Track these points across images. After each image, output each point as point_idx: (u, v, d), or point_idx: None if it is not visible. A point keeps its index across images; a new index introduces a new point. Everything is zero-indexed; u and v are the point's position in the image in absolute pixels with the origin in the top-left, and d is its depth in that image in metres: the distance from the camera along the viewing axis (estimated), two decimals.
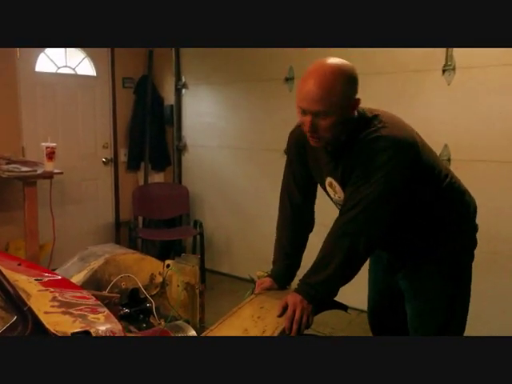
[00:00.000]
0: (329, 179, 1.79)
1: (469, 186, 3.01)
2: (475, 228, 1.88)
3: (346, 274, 1.66)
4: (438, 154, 3.18)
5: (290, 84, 3.92)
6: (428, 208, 1.76)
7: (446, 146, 3.24)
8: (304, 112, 1.57)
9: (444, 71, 3.22)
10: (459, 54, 3.14)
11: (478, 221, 3.06)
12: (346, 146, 1.65)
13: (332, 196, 1.83)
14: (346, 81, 1.54)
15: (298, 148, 1.86)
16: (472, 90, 3.12)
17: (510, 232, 3.07)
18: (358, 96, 1.59)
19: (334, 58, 1.56)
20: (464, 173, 3.15)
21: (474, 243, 1.88)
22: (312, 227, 1.97)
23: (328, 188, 1.82)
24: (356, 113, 1.63)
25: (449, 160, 3.23)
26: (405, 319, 1.92)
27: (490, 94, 3.06)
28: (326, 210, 2.01)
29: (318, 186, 1.91)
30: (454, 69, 3.18)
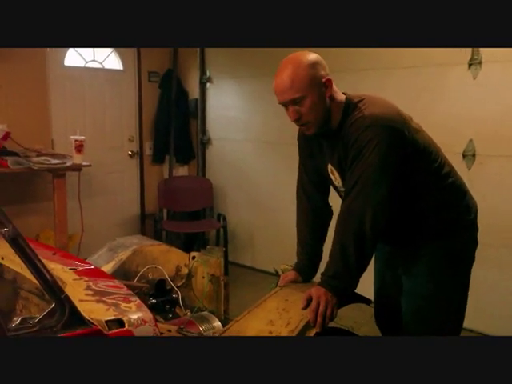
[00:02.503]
0: (329, 167, 1.83)
1: (493, 181, 3.01)
2: (476, 228, 1.87)
3: (362, 257, 1.67)
4: (462, 149, 3.19)
5: None
6: (428, 201, 1.77)
7: (471, 140, 3.20)
8: (285, 105, 1.69)
9: (470, 65, 3.17)
10: (486, 48, 3.09)
11: (499, 215, 3.05)
12: (338, 132, 1.71)
13: (334, 183, 1.87)
14: (307, 66, 1.63)
15: (303, 142, 1.94)
16: (498, 85, 3.07)
17: None
18: (329, 77, 1.68)
19: (294, 53, 1.69)
20: (489, 168, 3.15)
21: (474, 244, 1.86)
22: (330, 218, 1.99)
23: (331, 176, 1.86)
24: (343, 100, 1.72)
25: (474, 155, 3.19)
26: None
27: None
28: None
29: None
30: (480, 63, 3.13)
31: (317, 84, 1.64)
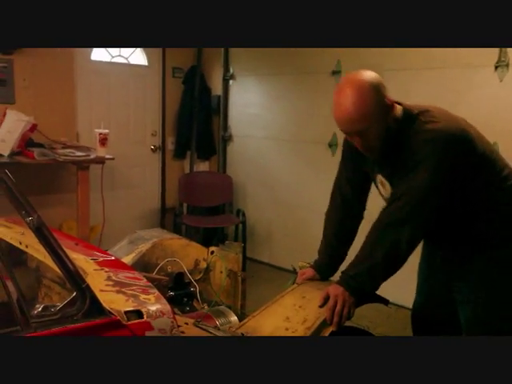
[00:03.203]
0: (379, 177, 1.79)
1: None
2: None
3: (389, 267, 1.66)
4: None
5: (336, 77, 3.88)
6: (488, 206, 1.72)
7: (495, 143, 3.14)
8: (348, 134, 1.63)
9: (497, 67, 3.12)
10: None
11: None
12: (394, 144, 1.65)
13: (383, 194, 1.82)
14: (374, 92, 1.54)
15: (350, 149, 1.83)
16: None
17: None
18: (388, 98, 1.59)
19: (354, 74, 1.59)
20: None
21: None
22: (359, 223, 1.95)
23: (379, 186, 1.82)
24: (401, 111, 1.63)
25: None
26: (450, 324, 1.89)
27: None
28: (372, 206, 2.00)
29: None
30: (507, 65, 3.08)
31: (383, 110, 1.57)
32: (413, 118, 1.62)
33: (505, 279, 1.74)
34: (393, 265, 1.66)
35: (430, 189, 1.58)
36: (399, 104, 1.66)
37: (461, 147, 1.59)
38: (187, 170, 4.88)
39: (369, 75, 1.57)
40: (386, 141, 1.63)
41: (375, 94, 1.54)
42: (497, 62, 3.11)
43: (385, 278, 1.68)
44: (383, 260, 1.63)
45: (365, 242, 1.69)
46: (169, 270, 2.31)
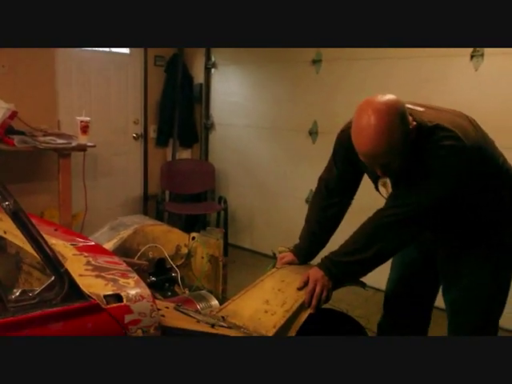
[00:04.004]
0: (383, 180, 1.78)
1: None
2: None
3: (377, 263, 1.68)
4: None
5: (317, 66, 3.87)
6: (486, 197, 1.72)
7: None
8: (370, 164, 1.59)
9: (472, 57, 3.15)
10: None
11: None
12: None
13: (384, 195, 1.82)
14: (400, 122, 1.46)
15: (346, 150, 1.76)
16: (499, 77, 3.05)
17: None
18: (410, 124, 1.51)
19: (379, 99, 1.47)
20: None
21: None
22: (343, 215, 1.94)
23: (380, 188, 1.81)
24: (415, 125, 1.54)
25: None
26: (423, 307, 1.95)
27: None
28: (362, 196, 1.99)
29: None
30: (482, 55, 3.11)
31: (407, 139, 1.49)
32: (429, 131, 1.55)
33: (499, 259, 1.76)
34: (381, 262, 1.69)
35: (437, 200, 1.58)
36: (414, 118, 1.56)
37: (475, 161, 1.57)
38: (169, 158, 4.84)
39: (394, 102, 1.47)
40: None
41: (401, 124, 1.46)
42: (472, 52, 3.14)
43: (369, 272, 1.70)
44: (374, 256, 1.65)
45: (356, 234, 1.70)
46: (150, 256, 2.31)
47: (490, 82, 3.09)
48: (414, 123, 1.52)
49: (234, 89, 4.65)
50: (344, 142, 1.74)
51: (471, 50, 3.13)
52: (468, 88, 3.18)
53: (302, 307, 1.67)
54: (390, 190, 1.77)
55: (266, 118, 4.37)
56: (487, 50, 3.07)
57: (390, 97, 1.48)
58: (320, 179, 1.95)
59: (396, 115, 1.44)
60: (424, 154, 1.56)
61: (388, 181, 1.76)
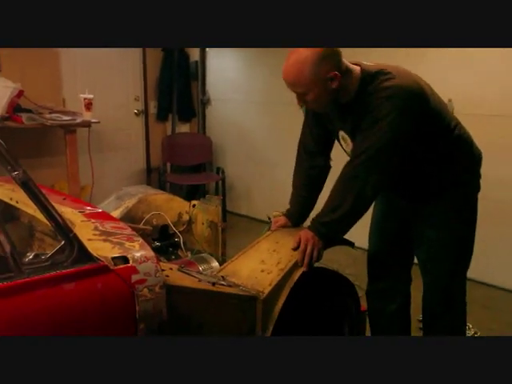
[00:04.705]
0: (341, 133, 1.78)
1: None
2: (480, 175, 1.85)
3: (357, 214, 1.68)
4: None
5: None
6: (439, 154, 1.74)
7: (450, 100, 3.17)
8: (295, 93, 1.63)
9: None
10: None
11: None
12: (355, 100, 1.63)
13: (345, 148, 1.82)
14: (312, 64, 1.53)
15: (313, 110, 1.82)
16: (475, 53, 3.02)
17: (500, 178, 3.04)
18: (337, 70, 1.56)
19: (302, 49, 1.56)
20: (465, 123, 3.13)
21: (478, 189, 1.85)
22: (326, 174, 1.95)
23: (341, 141, 1.81)
24: (359, 72, 1.62)
25: (452, 113, 3.17)
26: (403, 264, 1.96)
27: (488, 58, 2.97)
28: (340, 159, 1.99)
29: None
30: None
31: (320, 80, 1.55)
32: (371, 76, 1.60)
33: (461, 220, 1.79)
34: (360, 212, 1.68)
35: (391, 142, 1.58)
36: (359, 65, 1.64)
37: (418, 101, 1.58)
38: (169, 132, 4.81)
39: (314, 51, 1.53)
40: (330, 103, 1.63)
41: (313, 65, 1.53)
42: None
43: (353, 225, 1.70)
44: (352, 208, 1.64)
45: (332, 192, 1.70)
46: (154, 223, 2.31)
47: (465, 58, 3.06)
48: (358, 71, 1.61)
49: (228, 65, 4.58)
50: None
51: None
52: (446, 64, 3.16)
53: (295, 266, 1.68)
54: (349, 142, 1.76)
55: (260, 92, 4.32)
56: None
57: (309, 49, 1.55)
58: (299, 143, 1.96)
59: (310, 58, 1.52)
60: (369, 98, 1.58)
61: (345, 135, 1.75)
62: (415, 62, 3.21)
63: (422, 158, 1.72)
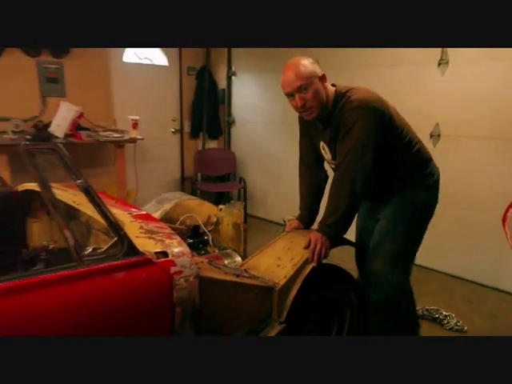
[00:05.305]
0: (322, 144, 1.80)
1: (454, 155, 2.92)
2: (437, 188, 1.82)
3: (351, 213, 1.68)
4: (430, 131, 3.12)
5: None
6: (400, 166, 1.74)
7: (437, 124, 3.13)
8: (291, 95, 1.62)
9: (439, 64, 3.06)
10: (452, 50, 2.98)
11: (457, 181, 2.97)
12: (330, 116, 1.67)
13: (325, 157, 1.84)
14: (307, 63, 1.59)
15: (303, 123, 1.89)
16: (461, 80, 2.97)
17: (482, 185, 2.98)
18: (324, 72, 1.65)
19: (293, 58, 1.63)
20: (450, 145, 3.09)
21: (435, 202, 1.82)
22: (325, 181, 1.96)
23: (322, 151, 1.83)
24: (334, 91, 1.67)
25: (439, 135, 3.11)
26: None
27: (475, 83, 2.91)
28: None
29: None
30: (447, 62, 3.02)
31: (316, 76, 1.61)
32: (342, 94, 1.65)
33: (409, 217, 1.77)
34: (354, 209, 1.69)
35: (364, 144, 1.59)
36: (334, 86, 1.70)
37: (379, 110, 1.60)
38: (200, 147, 4.83)
39: (304, 57, 1.62)
40: (322, 105, 1.64)
41: (308, 64, 1.60)
42: (439, 60, 3.05)
43: (351, 221, 1.70)
44: (347, 209, 1.64)
45: (329, 197, 1.70)
46: (188, 223, 2.32)
47: (453, 85, 3.01)
48: (333, 90, 1.67)
49: (250, 92, 4.59)
50: (300, 119, 1.86)
51: (439, 58, 3.04)
52: (435, 90, 3.10)
53: (306, 262, 1.68)
54: (327, 151, 1.78)
55: (276, 115, 4.32)
56: (451, 59, 2.99)
57: (300, 56, 1.63)
58: (300, 160, 1.99)
59: (302, 59, 1.60)
60: (340, 112, 1.62)
61: (325, 145, 1.77)
62: (408, 89, 3.19)
63: (387, 169, 1.72)
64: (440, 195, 1.84)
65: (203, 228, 2.32)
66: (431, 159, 1.82)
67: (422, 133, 2.10)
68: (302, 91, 1.59)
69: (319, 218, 1.81)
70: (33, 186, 1.87)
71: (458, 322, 2.51)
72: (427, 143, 2.46)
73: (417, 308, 2.62)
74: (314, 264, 1.67)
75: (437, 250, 3.14)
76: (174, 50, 4.49)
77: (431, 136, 3.13)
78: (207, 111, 4.70)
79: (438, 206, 1.83)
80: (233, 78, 4.74)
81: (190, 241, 2.27)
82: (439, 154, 2.76)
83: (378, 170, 1.67)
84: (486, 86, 2.86)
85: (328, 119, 1.68)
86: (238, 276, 1.53)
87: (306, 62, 1.60)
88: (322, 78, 1.63)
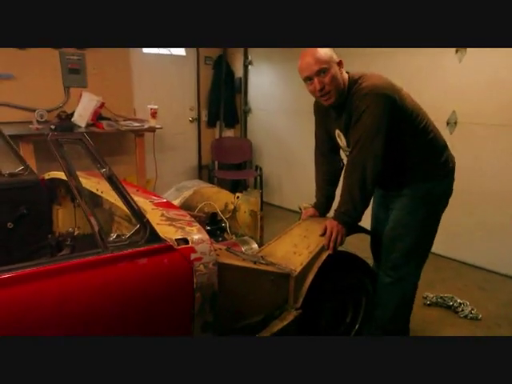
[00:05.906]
0: (337, 131, 1.77)
1: (469, 142, 2.85)
2: (452, 178, 1.77)
3: (365, 199, 1.66)
4: (447, 118, 3.05)
5: None
6: (414, 154, 1.69)
7: (453, 111, 3.05)
8: (310, 79, 1.60)
9: (457, 51, 2.98)
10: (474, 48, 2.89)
11: (472, 168, 2.91)
12: (344, 103, 1.64)
13: (340, 144, 1.81)
14: (325, 50, 1.58)
15: (318, 112, 1.86)
16: (478, 68, 2.88)
17: (496, 173, 2.91)
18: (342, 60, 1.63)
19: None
20: (466, 132, 3.02)
21: (449, 191, 1.78)
22: (340, 169, 1.93)
23: (337, 139, 1.80)
24: (348, 77, 1.65)
25: (455, 123, 3.04)
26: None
27: (493, 71, 2.82)
28: None
29: None
30: (465, 49, 2.94)
31: (334, 61, 1.60)
32: (355, 81, 1.63)
33: (423, 209, 1.73)
34: (368, 197, 1.67)
35: (374, 131, 1.56)
36: (347, 73, 1.67)
37: (390, 96, 1.56)
38: (217, 136, 4.83)
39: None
40: (340, 92, 1.61)
41: (326, 50, 1.58)
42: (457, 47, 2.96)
43: (365, 208, 1.68)
44: (360, 193, 1.63)
45: (343, 185, 1.69)
46: (206, 211, 2.33)
47: (470, 72, 2.92)
48: (347, 77, 1.65)
49: (266, 81, 4.55)
50: (316, 107, 1.85)
51: None
52: (453, 77, 3.02)
53: (322, 249, 1.68)
54: (342, 138, 1.75)
55: (291, 103, 4.28)
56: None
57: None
58: (315, 149, 1.97)
59: (321, 48, 1.57)
60: (353, 98, 1.60)
61: (340, 132, 1.75)
62: (425, 76, 3.11)
63: (400, 156, 1.68)
64: (455, 182, 1.80)
65: (221, 215, 2.33)
66: (446, 146, 1.77)
67: (439, 120, 2.06)
68: (320, 75, 1.57)
69: (335, 205, 1.80)
70: (58, 174, 1.90)
71: (472, 309, 2.48)
72: (443, 130, 2.42)
73: (431, 295, 2.62)
74: (329, 251, 1.67)
75: (451, 237, 3.09)
76: None
77: (447, 123, 3.06)
78: (224, 100, 4.68)
79: (453, 194, 1.80)
80: (249, 67, 4.69)
81: (208, 228, 2.28)
82: (456, 142, 2.71)
83: (391, 156, 1.64)
84: (503, 73, 2.77)
85: (342, 106, 1.66)
86: (255, 263, 1.54)
87: (324, 49, 1.59)
88: (340, 64, 1.62)
